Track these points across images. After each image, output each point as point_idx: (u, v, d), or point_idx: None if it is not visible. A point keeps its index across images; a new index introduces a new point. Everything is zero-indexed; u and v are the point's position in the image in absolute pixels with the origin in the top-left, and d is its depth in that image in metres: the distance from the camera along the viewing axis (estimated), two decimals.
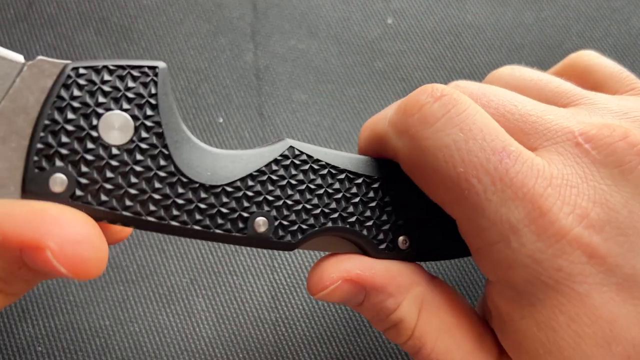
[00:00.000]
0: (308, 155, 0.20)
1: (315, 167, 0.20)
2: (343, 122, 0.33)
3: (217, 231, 0.19)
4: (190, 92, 0.33)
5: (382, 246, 0.21)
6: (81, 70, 0.17)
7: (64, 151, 0.17)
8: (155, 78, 0.18)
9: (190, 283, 0.29)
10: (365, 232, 0.21)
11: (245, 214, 0.19)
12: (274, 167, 0.20)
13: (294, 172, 0.20)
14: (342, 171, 0.21)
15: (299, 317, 0.28)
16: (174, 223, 0.18)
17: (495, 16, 0.37)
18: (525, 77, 0.24)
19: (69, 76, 0.17)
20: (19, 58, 0.17)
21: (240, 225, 0.19)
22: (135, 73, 0.18)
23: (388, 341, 0.28)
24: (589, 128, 0.20)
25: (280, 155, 0.20)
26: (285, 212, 0.20)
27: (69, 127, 0.17)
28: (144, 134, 0.18)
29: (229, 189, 0.19)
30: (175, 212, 0.18)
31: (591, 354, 0.19)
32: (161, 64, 0.18)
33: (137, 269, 0.29)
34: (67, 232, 0.17)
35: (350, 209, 0.21)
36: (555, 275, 0.19)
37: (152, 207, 0.18)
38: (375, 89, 0.35)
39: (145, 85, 0.18)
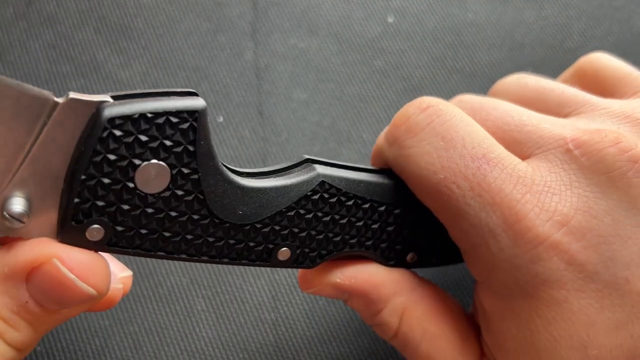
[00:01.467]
0: (337, 189, 0.20)
1: (343, 199, 0.20)
2: (343, 121, 0.33)
3: (243, 261, 0.19)
4: None
5: (391, 262, 0.22)
6: (117, 121, 0.16)
7: (100, 203, 0.17)
8: (194, 123, 0.17)
9: (190, 283, 0.29)
10: (378, 252, 0.22)
11: (270, 246, 0.20)
12: (303, 202, 0.20)
13: (321, 205, 0.20)
14: (367, 201, 0.21)
15: (299, 317, 0.28)
16: (204, 258, 0.19)
17: (496, 14, 0.37)
18: (530, 87, 0.24)
19: (105, 128, 0.16)
20: (49, 96, 0.16)
21: (264, 255, 0.20)
22: (173, 119, 0.17)
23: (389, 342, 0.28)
24: (581, 134, 0.20)
25: (311, 191, 0.20)
26: (307, 242, 0.20)
27: (106, 180, 0.17)
28: (180, 182, 0.17)
29: (258, 225, 0.19)
30: (205, 249, 0.19)
31: (567, 356, 0.19)
32: (200, 106, 0.17)
33: (136, 268, 0.29)
34: (70, 247, 0.17)
35: (369, 234, 0.21)
36: (532, 280, 0.19)
37: (184, 246, 0.18)
38: (375, 88, 0.34)
39: (183, 132, 0.17)
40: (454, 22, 0.37)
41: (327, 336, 0.28)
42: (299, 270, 0.23)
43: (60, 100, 0.16)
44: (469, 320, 0.23)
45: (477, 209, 0.19)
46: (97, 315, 0.28)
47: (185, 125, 0.17)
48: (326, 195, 0.20)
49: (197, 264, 0.29)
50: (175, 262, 0.29)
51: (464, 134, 0.20)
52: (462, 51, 0.36)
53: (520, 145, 0.21)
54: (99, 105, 0.16)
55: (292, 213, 0.19)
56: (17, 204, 0.16)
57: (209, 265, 0.29)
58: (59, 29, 0.34)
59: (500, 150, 0.20)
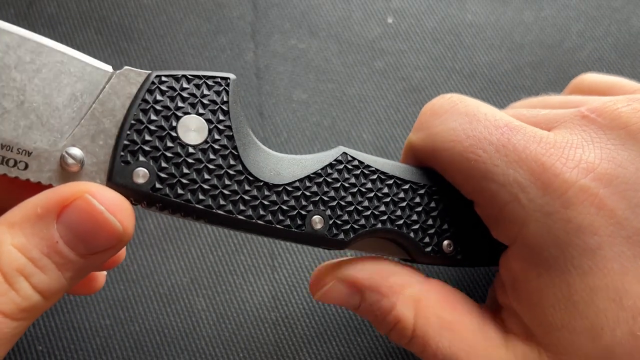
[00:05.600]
0: (359, 161, 0.22)
1: (366, 172, 0.22)
2: (343, 121, 0.33)
3: (278, 226, 0.21)
4: None
5: (428, 249, 0.23)
6: (163, 78, 0.20)
7: (147, 147, 0.19)
8: (227, 87, 0.21)
9: (190, 282, 0.29)
10: (412, 234, 0.23)
11: (303, 212, 0.21)
12: (329, 171, 0.22)
13: (346, 175, 0.22)
14: (390, 177, 0.22)
15: (299, 317, 0.29)
16: (240, 217, 0.20)
17: (496, 15, 0.37)
18: (534, 100, 0.27)
19: (152, 82, 0.20)
20: (108, 68, 0.20)
21: (299, 222, 0.21)
22: (210, 82, 0.20)
23: (388, 341, 0.28)
24: (595, 105, 0.21)
25: (335, 160, 0.22)
26: (339, 212, 0.22)
27: (152, 127, 0.19)
28: (216, 136, 0.20)
29: (289, 188, 0.21)
30: (242, 207, 0.20)
31: (604, 307, 0.19)
32: (232, 76, 0.21)
33: (137, 268, 0.29)
34: (101, 186, 0.19)
35: (398, 212, 0.22)
36: (565, 226, 0.19)
37: (222, 202, 0.20)
38: (375, 88, 0.35)
39: (218, 93, 0.20)
40: (454, 23, 0.37)
41: (327, 335, 0.28)
42: (312, 274, 0.23)
43: (117, 71, 0.20)
44: (481, 307, 0.23)
45: (505, 168, 0.20)
46: (98, 314, 0.28)
47: (219, 89, 0.20)
48: (349, 167, 0.22)
49: (197, 263, 0.29)
50: (176, 261, 0.29)
51: (485, 111, 0.22)
52: (461, 52, 0.36)
53: (540, 124, 0.22)
54: (149, 74, 0.20)
55: (320, 180, 0.22)
56: (77, 150, 0.19)
57: (209, 264, 0.29)
58: (60, 30, 0.34)
59: (520, 122, 0.22)
